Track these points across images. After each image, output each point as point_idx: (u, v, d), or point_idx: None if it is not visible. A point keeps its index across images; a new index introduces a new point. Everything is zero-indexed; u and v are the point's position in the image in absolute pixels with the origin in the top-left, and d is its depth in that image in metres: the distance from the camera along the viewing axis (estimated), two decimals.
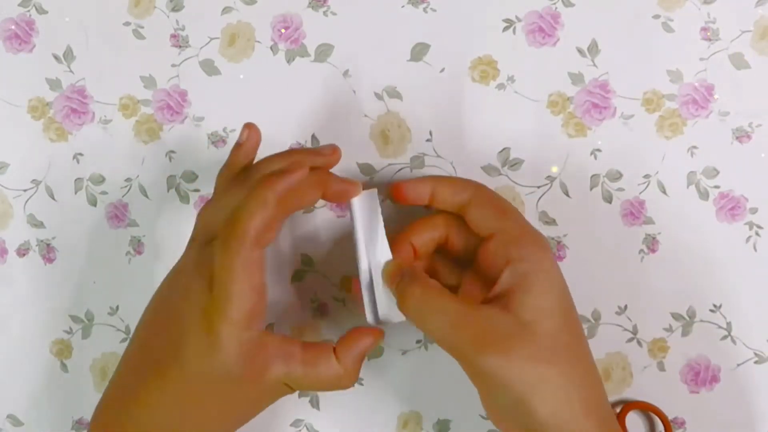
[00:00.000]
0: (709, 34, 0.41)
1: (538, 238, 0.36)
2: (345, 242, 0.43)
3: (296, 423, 0.44)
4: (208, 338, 0.33)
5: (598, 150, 0.42)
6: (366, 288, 0.38)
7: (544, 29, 0.42)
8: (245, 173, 0.38)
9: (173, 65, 0.43)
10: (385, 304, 0.37)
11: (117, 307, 0.45)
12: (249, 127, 0.38)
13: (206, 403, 0.35)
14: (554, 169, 0.41)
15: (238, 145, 0.38)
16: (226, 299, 0.33)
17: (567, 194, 0.42)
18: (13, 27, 0.44)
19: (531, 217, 0.42)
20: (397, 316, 0.37)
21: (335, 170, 0.40)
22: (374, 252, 0.38)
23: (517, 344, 0.32)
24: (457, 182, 0.38)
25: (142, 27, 0.44)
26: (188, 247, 0.38)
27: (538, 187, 0.42)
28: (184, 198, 0.44)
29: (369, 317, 0.38)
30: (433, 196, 0.38)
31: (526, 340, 0.33)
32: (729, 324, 0.42)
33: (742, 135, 0.42)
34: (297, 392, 0.44)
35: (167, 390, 0.34)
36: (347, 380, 0.36)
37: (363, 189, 0.38)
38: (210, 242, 0.36)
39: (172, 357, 0.34)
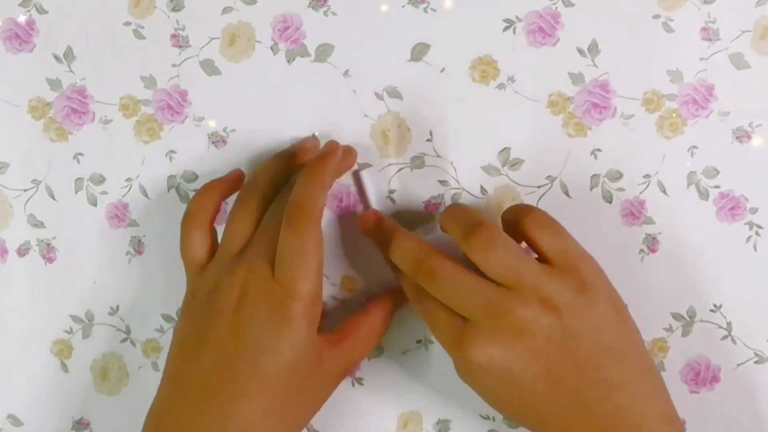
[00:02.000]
0: (709, 34, 0.41)
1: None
2: (345, 242, 0.43)
3: None
4: (285, 326, 0.35)
5: (598, 150, 0.42)
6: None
7: (544, 29, 0.42)
8: (256, 185, 0.40)
9: (173, 65, 0.44)
10: None
11: (117, 307, 0.45)
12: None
13: (290, 402, 0.35)
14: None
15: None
16: (302, 277, 0.35)
17: (567, 194, 0.42)
18: (16, 25, 0.44)
19: None
20: None
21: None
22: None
23: None
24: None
25: (142, 27, 0.44)
26: (209, 269, 0.38)
27: (538, 187, 0.42)
28: (184, 198, 0.44)
29: None
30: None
31: None
32: (729, 324, 0.42)
33: (742, 135, 0.42)
34: None
35: (256, 398, 0.34)
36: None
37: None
38: (240, 252, 0.37)
39: (251, 364, 0.35)
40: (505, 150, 0.42)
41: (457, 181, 0.43)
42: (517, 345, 0.33)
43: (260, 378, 0.34)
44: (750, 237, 0.42)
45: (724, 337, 0.42)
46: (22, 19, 0.44)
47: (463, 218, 0.36)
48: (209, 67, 0.43)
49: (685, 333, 0.42)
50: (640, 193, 0.42)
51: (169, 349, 0.38)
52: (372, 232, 0.40)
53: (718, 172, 0.42)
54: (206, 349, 0.35)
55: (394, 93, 0.43)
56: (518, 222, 0.36)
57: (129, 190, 0.44)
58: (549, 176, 0.42)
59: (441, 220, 0.38)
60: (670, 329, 0.42)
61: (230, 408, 0.34)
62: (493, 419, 0.43)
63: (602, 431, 0.33)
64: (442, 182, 0.43)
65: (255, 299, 0.35)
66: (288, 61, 0.43)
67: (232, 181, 0.42)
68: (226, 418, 0.34)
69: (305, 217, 0.35)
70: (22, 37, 0.44)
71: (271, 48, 0.43)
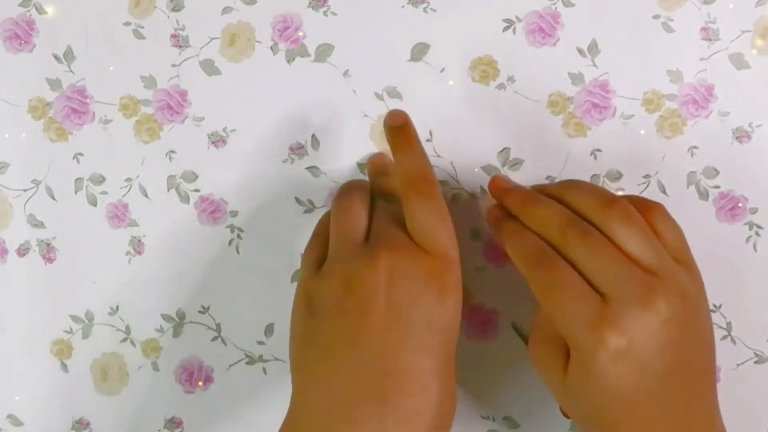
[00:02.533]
0: (709, 34, 0.41)
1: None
2: None
3: None
4: (448, 296, 0.34)
5: (598, 150, 0.42)
6: None
7: (544, 29, 0.42)
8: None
9: (173, 65, 0.43)
10: None
11: (117, 307, 0.45)
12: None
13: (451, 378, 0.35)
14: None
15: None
16: (449, 241, 0.34)
17: None
18: (16, 25, 0.44)
19: None
20: None
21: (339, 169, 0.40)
22: None
23: None
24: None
25: (142, 27, 0.44)
26: (332, 263, 0.35)
27: None
28: (184, 198, 0.44)
29: None
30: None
31: None
32: (729, 324, 0.42)
33: (742, 135, 0.42)
34: None
35: (421, 385, 0.33)
36: None
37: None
38: (363, 241, 0.35)
39: (418, 347, 0.33)
40: (505, 150, 0.42)
41: (457, 181, 0.43)
42: (659, 333, 0.31)
43: (446, 359, 0.34)
44: (750, 237, 0.42)
45: (724, 337, 0.42)
46: (22, 19, 0.44)
47: (597, 190, 0.35)
48: (209, 67, 0.43)
49: None
50: (640, 193, 0.42)
51: (298, 355, 0.35)
52: (504, 194, 0.38)
53: (718, 172, 0.42)
54: (361, 342, 0.32)
55: (394, 93, 0.43)
56: (643, 212, 0.34)
57: (129, 190, 0.44)
58: (549, 176, 0.42)
59: (564, 192, 0.36)
60: None
61: (393, 401, 0.32)
62: (493, 419, 0.43)
63: None
64: (442, 182, 0.43)
65: (408, 277, 0.33)
66: (288, 61, 0.43)
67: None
68: (391, 412, 0.32)
69: (431, 182, 0.35)
70: (22, 37, 0.44)
71: (271, 48, 0.43)
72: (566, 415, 0.42)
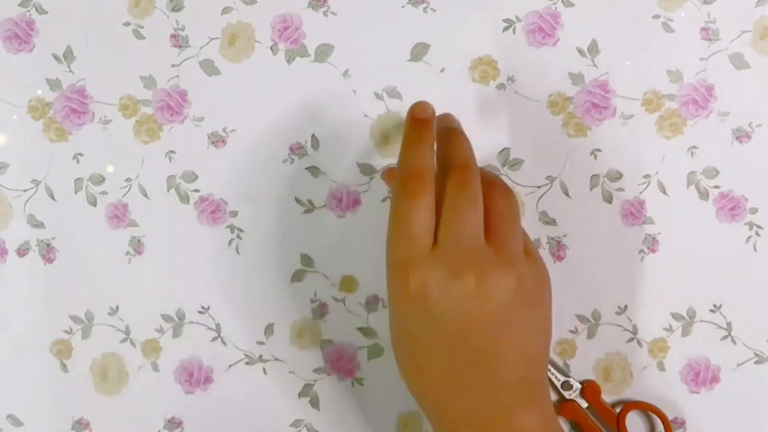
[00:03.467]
0: (709, 34, 0.41)
1: None
2: (345, 242, 0.43)
3: (296, 423, 0.44)
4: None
5: (598, 150, 0.42)
6: None
7: (544, 29, 0.42)
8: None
9: (173, 65, 0.44)
10: None
11: (117, 307, 0.45)
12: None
13: None
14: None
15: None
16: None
17: (567, 194, 0.42)
18: (16, 25, 0.44)
19: (531, 217, 0.42)
20: None
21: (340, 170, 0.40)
22: None
23: None
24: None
25: (142, 27, 0.44)
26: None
27: (538, 187, 0.42)
28: (184, 198, 0.44)
29: None
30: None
31: None
32: (729, 324, 0.42)
33: (742, 135, 0.42)
34: (297, 392, 0.44)
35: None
36: None
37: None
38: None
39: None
40: (505, 150, 0.42)
41: None
42: (459, 301, 0.32)
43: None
44: (750, 237, 0.42)
45: (724, 337, 0.42)
46: (21, 19, 0.44)
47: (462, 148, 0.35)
48: (209, 67, 0.43)
49: (685, 333, 0.42)
50: (640, 193, 0.42)
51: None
52: (428, 121, 0.36)
53: (718, 172, 0.42)
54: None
55: (394, 93, 0.43)
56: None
57: (129, 190, 0.44)
58: (549, 176, 0.42)
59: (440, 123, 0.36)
60: (670, 329, 0.42)
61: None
62: None
63: (487, 413, 0.33)
64: None
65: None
66: (288, 62, 0.43)
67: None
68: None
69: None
70: (21, 37, 0.44)
71: (271, 48, 0.43)
72: (568, 416, 0.42)
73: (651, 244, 0.42)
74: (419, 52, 0.42)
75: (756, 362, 0.42)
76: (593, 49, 0.42)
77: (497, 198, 0.34)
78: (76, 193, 0.45)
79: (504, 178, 0.42)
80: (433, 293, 0.32)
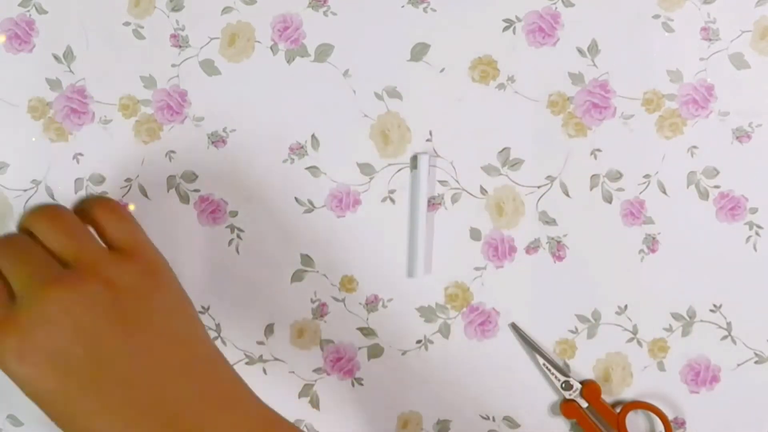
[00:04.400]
0: (709, 34, 0.41)
1: None
2: (345, 242, 0.43)
3: (296, 423, 0.44)
4: None
5: (598, 150, 0.42)
6: (414, 241, 0.42)
7: (544, 29, 0.42)
8: None
9: (173, 65, 0.43)
10: (422, 259, 0.42)
11: None
12: None
13: None
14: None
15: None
16: None
17: (567, 194, 0.42)
18: (16, 25, 0.44)
19: (531, 217, 0.42)
20: (424, 272, 0.42)
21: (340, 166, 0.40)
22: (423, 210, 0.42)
23: None
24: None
25: (142, 27, 0.44)
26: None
27: (538, 187, 0.42)
28: (184, 198, 0.44)
29: (416, 270, 0.42)
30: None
31: None
32: (729, 324, 0.42)
33: (742, 135, 0.42)
34: (297, 392, 0.44)
35: None
36: None
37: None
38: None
39: None
40: (505, 150, 0.42)
41: (457, 181, 0.43)
42: (65, 323, 0.31)
43: None
44: (750, 237, 0.42)
45: (724, 337, 0.42)
46: (21, 19, 0.44)
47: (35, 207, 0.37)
48: (209, 67, 0.43)
49: (685, 333, 0.42)
50: (640, 193, 0.42)
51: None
52: None
53: (718, 172, 0.42)
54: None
55: (394, 93, 0.43)
56: (87, 210, 0.37)
57: (129, 190, 0.44)
58: (549, 176, 0.42)
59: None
60: (670, 329, 0.42)
61: None
62: (493, 419, 0.43)
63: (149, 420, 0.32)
64: (442, 182, 0.43)
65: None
66: (288, 61, 0.43)
67: None
68: None
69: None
70: (21, 37, 0.44)
71: (271, 48, 0.43)
72: (568, 415, 0.42)
73: (651, 244, 0.42)
74: (419, 52, 0.42)
75: (756, 362, 0.42)
76: (593, 49, 0.42)
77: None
78: (76, 193, 0.44)
79: (504, 178, 0.42)
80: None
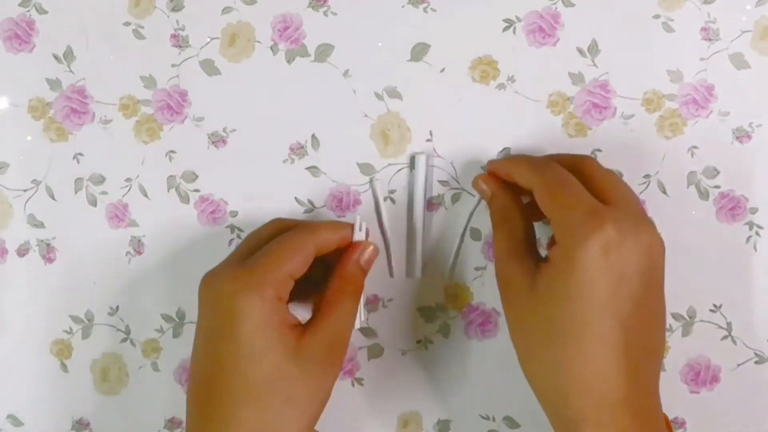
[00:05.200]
0: (709, 34, 0.41)
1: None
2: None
3: None
4: None
5: (599, 150, 0.42)
6: (413, 241, 0.42)
7: (544, 29, 0.42)
8: None
9: (173, 65, 0.44)
10: (420, 259, 0.43)
11: (117, 307, 0.45)
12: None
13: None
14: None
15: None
16: None
17: None
18: (16, 25, 0.44)
19: None
20: (419, 273, 0.43)
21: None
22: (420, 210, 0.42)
23: None
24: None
25: (142, 27, 0.44)
26: None
27: None
28: (184, 198, 0.44)
29: (414, 270, 0.43)
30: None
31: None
32: (729, 324, 0.42)
33: (742, 135, 0.42)
34: None
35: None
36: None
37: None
38: None
39: None
40: (505, 150, 0.42)
41: (457, 181, 0.43)
42: (642, 256, 0.33)
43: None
44: (750, 237, 0.42)
45: (724, 337, 0.42)
46: (22, 19, 0.44)
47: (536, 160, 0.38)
48: (209, 67, 0.43)
49: (685, 333, 0.42)
50: (640, 193, 0.42)
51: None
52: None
53: (718, 172, 0.42)
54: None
55: (394, 93, 0.43)
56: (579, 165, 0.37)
57: (129, 190, 0.44)
58: None
59: (511, 169, 0.38)
60: (670, 329, 0.42)
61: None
62: (493, 419, 0.43)
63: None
64: (442, 182, 0.43)
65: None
66: (288, 61, 0.43)
67: None
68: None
69: None
70: (21, 37, 0.44)
71: (271, 48, 0.43)
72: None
73: None
74: (419, 52, 0.42)
75: (756, 362, 0.42)
76: (593, 49, 0.42)
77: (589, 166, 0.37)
78: (76, 193, 0.45)
79: None
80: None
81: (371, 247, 0.39)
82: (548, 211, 0.35)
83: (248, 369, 0.34)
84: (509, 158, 0.41)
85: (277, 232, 0.39)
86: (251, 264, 0.36)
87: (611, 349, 0.32)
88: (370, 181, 0.43)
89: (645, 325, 0.33)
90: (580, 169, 0.37)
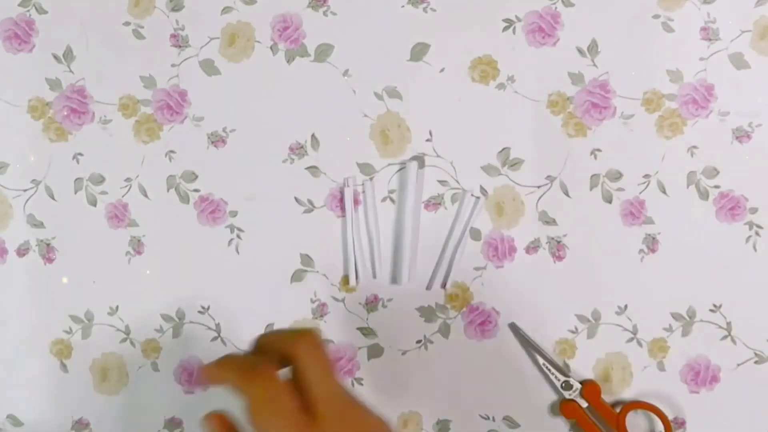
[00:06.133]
0: (709, 34, 0.41)
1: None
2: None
3: None
4: None
5: (598, 150, 0.42)
6: (400, 248, 0.42)
7: (544, 29, 0.42)
8: None
9: (173, 65, 0.43)
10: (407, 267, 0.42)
11: (117, 307, 0.45)
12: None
13: None
14: None
15: None
16: None
17: (567, 194, 0.42)
18: (16, 25, 0.44)
19: (531, 217, 0.42)
20: (406, 278, 0.42)
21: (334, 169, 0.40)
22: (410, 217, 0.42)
23: None
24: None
25: (142, 27, 0.44)
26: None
27: (538, 187, 0.42)
28: (184, 198, 0.44)
29: (400, 277, 0.42)
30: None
31: None
32: (729, 324, 0.42)
33: (742, 135, 0.42)
34: None
35: None
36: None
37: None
38: None
39: None
40: (505, 150, 0.42)
41: (457, 181, 0.43)
42: None
43: None
44: (750, 237, 0.42)
45: (724, 337, 0.42)
46: (21, 19, 0.44)
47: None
48: (209, 67, 0.43)
49: (685, 333, 0.42)
50: (640, 193, 0.42)
51: None
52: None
53: (718, 172, 0.42)
54: None
55: (394, 93, 0.43)
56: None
57: (129, 190, 0.44)
58: (549, 176, 0.42)
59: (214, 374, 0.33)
60: (670, 329, 0.42)
61: None
62: (493, 419, 0.43)
63: None
64: (442, 182, 0.43)
65: None
66: (288, 61, 0.43)
67: None
68: None
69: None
70: (21, 37, 0.44)
71: (271, 48, 0.43)
72: (568, 415, 0.42)
73: (651, 244, 0.42)
74: (419, 52, 0.42)
75: (756, 362, 0.42)
76: (593, 49, 0.42)
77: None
78: (76, 193, 0.45)
79: (504, 178, 0.42)
80: None
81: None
82: (254, 427, 0.31)
83: None
84: (221, 361, 0.33)
85: None
86: None
87: None
88: (364, 182, 0.43)
89: None
90: (294, 355, 0.32)
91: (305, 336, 0.32)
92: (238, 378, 0.32)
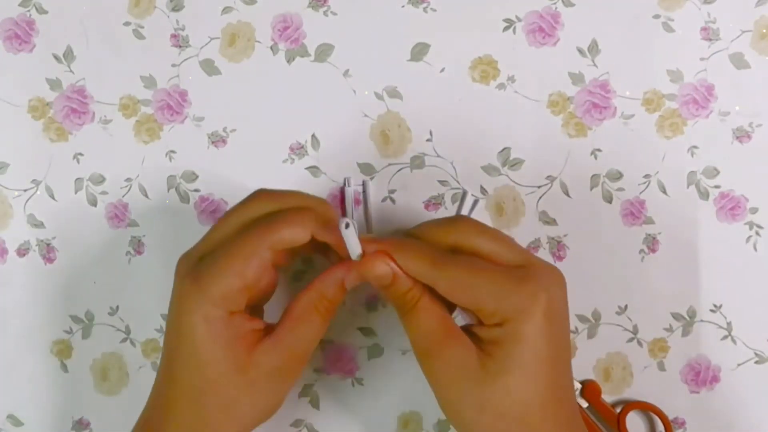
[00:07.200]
0: (709, 34, 0.41)
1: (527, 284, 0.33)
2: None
3: (296, 423, 0.44)
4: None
5: (598, 150, 0.42)
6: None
7: (544, 29, 0.42)
8: None
9: (173, 65, 0.44)
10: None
11: (117, 307, 0.45)
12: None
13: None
14: None
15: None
16: None
17: (567, 194, 0.42)
18: (16, 25, 0.44)
19: (531, 217, 0.42)
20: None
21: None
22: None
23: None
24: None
25: (142, 27, 0.44)
26: None
27: (538, 187, 0.42)
28: (184, 198, 0.44)
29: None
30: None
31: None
32: (729, 324, 0.42)
33: (742, 135, 0.42)
34: (297, 392, 0.44)
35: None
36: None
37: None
38: None
39: None
40: (505, 150, 0.42)
41: (457, 181, 0.43)
42: (563, 304, 0.34)
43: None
44: (750, 237, 0.42)
45: (724, 337, 0.42)
46: (22, 19, 0.44)
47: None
48: (209, 67, 0.43)
49: (685, 333, 0.42)
50: (640, 193, 0.42)
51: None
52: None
53: (718, 172, 0.42)
54: None
55: (394, 93, 0.43)
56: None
57: (129, 190, 0.44)
58: (549, 176, 0.42)
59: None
60: (670, 329, 0.42)
61: None
62: None
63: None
64: (442, 182, 0.43)
65: None
66: (288, 61, 0.43)
67: None
68: None
69: None
70: (22, 37, 0.44)
71: (271, 48, 0.43)
72: None
73: (651, 244, 0.42)
74: (419, 52, 0.42)
75: (756, 362, 0.42)
76: (593, 49, 0.42)
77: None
78: (76, 193, 0.45)
79: (504, 178, 0.42)
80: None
81: (358, 273, 0.34)
82: (470, 302, 0.33)
83: (191, 378, 0.34)
84: (398, 244, 0.34)
85: (255, 214, 0.36)
86: (199, 276, 0.35)
87: (544, 388, 0.33)
88: (364, 183, 0.43)
89: (566, 349, 0.34)
90: (457, 230, 0.34)
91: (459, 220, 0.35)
92: (428, 263, 0.34)
